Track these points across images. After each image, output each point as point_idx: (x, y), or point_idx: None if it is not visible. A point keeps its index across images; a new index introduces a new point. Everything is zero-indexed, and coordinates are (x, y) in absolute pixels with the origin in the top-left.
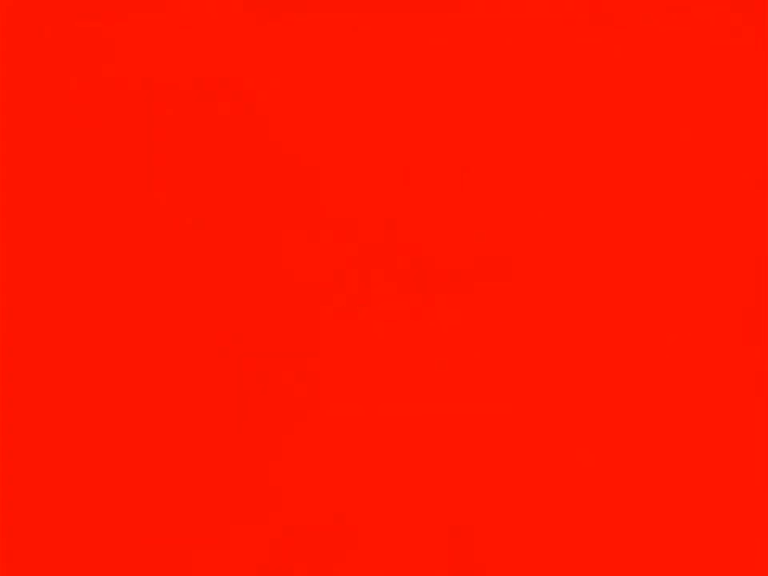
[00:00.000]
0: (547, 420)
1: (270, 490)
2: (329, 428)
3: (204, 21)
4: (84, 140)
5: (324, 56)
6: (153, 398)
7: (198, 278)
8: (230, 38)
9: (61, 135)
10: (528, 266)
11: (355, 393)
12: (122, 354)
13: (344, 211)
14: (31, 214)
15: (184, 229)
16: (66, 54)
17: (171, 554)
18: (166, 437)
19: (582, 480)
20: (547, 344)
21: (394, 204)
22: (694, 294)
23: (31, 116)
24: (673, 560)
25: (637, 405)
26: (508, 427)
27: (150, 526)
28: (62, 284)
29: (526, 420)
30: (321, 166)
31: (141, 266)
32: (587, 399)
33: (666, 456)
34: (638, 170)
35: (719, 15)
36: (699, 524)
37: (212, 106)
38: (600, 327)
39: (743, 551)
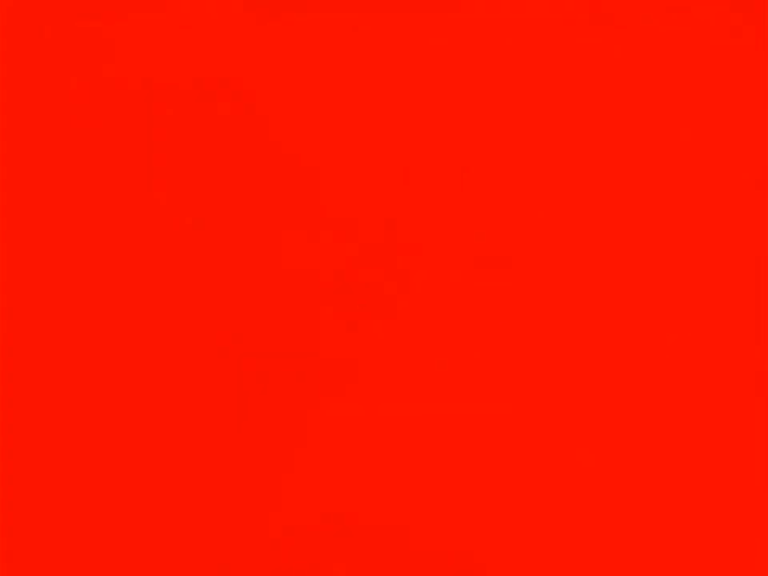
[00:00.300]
0: (548, 420)
1: (269, 492)
2: (329, 428)
3: (204, 21)
4: (84, 139)
5: (324, 56)
6: (154, 399)
7: (198, 278)
8: (230, 38)
9: (61, 135)
10: (528, 264)
11: (355, 393)
12: (123, 354)
13: (344, 211)
14: (31, 214)
15: (184, 228)
16: (66, 53)
17: (172, 554)
18: (167, 438)
19: (582, 480)
20: (547, 344)
21: (394, 204)
22: (693, 291)
23: (31, 116)
24: (674, 570)
25: (637, 404)
26: (509, 427)
27: (150, 526)
28: (62, 283)
29: (527, 419)
30: (321, 166)
31: (141, 265)
32: (587, 398)
33: (667, 459)
34: (637, 169)
35: (719, 15)
36: (700, 531)
37: (212, 106)
38: (600, 325)
39: (743, 551)
